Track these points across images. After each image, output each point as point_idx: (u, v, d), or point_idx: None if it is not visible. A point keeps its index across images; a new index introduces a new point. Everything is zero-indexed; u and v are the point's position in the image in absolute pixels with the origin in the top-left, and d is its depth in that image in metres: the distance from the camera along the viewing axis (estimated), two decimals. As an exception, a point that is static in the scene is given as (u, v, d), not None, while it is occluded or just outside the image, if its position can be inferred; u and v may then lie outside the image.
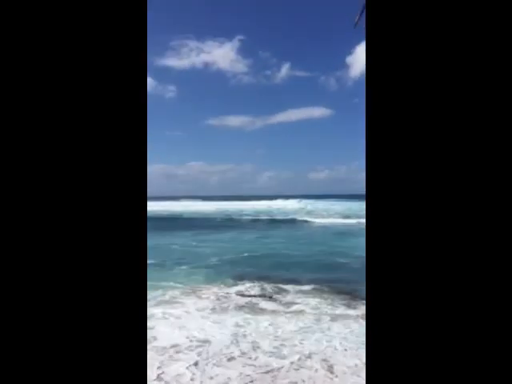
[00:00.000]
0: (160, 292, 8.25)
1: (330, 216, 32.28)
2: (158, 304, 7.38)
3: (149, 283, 7.88)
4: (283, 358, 4.92)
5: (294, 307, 7.29)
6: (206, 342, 5.46)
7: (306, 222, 28.15)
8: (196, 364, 4.70)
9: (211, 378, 4.34)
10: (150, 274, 10.08)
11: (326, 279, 9.43)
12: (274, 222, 28.59)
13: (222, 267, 11.51)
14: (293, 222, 28.62)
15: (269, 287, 8.76)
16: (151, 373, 4.37)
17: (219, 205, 56.24)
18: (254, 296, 8.07)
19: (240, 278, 9.83)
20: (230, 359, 4.85)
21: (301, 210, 41.90)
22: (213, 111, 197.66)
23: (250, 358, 4.88)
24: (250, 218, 33.18)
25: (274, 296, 8.07)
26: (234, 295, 8.16)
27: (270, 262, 12.16)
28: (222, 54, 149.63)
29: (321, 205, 48.63)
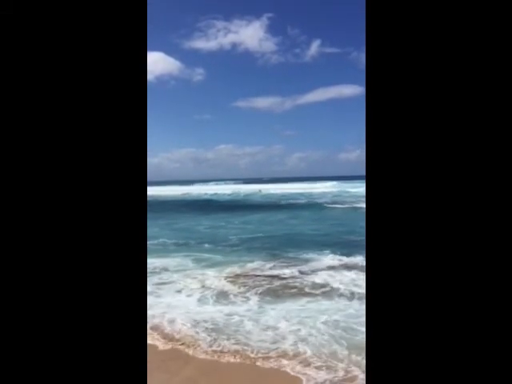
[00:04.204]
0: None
1: (359, 198, 31.83)
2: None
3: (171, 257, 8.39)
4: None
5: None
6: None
7: (334, 204, 27.95)
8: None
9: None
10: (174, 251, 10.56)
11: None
12: (300, 205, 28.56)
13: (240, 245, 11.92)
14: (320, 204, 28.47)
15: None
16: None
17: (248, 188, 56.54)
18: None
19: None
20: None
21: (330, 192, 41.50)
22: (241, 93, 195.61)
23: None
24: (277, 200, 33.29)
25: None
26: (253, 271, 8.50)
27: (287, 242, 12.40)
28: (250, 34, 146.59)
29: (351, 186, 47.91)
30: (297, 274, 8.23)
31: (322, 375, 4.18)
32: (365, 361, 4.28)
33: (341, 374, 4.20)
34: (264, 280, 7.78)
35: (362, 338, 4.92)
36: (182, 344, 5.00)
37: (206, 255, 10.36)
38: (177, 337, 5.24)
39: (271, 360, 4.53)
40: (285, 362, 4.48)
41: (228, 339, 5.10)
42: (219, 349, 4.85)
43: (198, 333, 5.32)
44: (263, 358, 4.58)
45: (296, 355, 4.63)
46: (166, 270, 8.76)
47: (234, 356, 4.68)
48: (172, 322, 5.73)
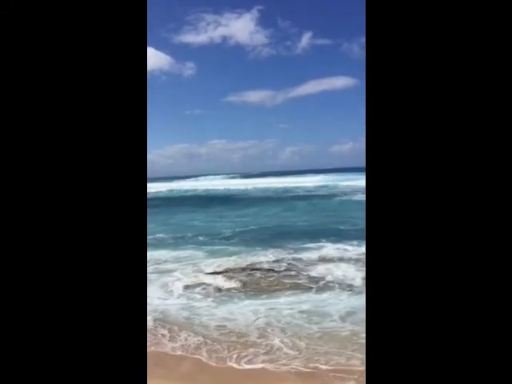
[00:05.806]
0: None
1: (354, 190, 31.91)
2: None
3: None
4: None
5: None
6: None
7: (329, 196, 28.02)
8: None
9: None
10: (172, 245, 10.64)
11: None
12: (296, 198, 28.60)
13: (233, 238, 12.01)
14: (314, 197, 28.54)
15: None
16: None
17: (242, 183, 56.47)
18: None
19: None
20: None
21: (324, 185, 41.58)
22: (232, 87, 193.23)
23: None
24: (272, 194, 33.30)
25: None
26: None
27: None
28: (241, 26, 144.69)
29: (345, 179, 48.02)
30: (291, 266, 8.30)
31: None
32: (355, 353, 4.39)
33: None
34: (259, 274, 7.85)
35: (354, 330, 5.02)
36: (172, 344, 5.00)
37: (203, 249, 10.41)
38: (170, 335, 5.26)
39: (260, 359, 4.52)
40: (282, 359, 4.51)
41: (188, 333, 5.16)
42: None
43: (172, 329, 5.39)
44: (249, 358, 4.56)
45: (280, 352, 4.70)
46: (159, 263, 8.83)
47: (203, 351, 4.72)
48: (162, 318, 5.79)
